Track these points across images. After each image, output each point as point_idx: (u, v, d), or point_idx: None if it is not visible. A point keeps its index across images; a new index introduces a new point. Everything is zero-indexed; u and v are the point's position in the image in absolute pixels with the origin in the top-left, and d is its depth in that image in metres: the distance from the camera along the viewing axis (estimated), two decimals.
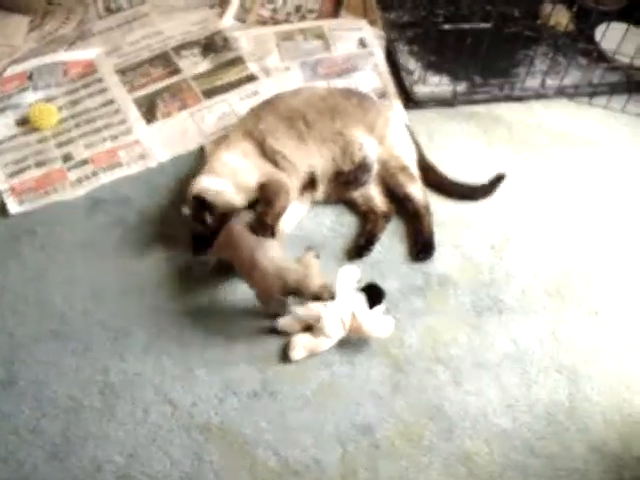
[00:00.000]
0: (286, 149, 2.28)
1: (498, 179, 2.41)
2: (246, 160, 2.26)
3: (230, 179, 2.22)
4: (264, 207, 2.18)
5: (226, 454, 1.87)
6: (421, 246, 2.28)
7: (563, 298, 2.20)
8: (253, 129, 2.31)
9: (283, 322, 2.08)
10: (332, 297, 1.97)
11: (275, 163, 2.27)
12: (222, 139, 2.44)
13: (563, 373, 2.04)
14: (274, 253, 2.02)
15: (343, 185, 2.35)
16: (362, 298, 2.05)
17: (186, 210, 2.16)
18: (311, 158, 2.30)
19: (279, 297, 1.99)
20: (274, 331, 2.07)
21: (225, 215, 2.16)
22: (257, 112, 2.38)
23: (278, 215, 2.19)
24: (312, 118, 2.32)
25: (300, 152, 2.29)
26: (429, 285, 2.21)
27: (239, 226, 2.09)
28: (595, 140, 2.64)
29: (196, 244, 2.23)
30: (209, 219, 2.16)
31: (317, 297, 1.95)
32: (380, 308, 2.07)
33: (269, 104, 2.40)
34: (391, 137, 2.36)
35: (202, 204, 2.16)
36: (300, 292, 1.96)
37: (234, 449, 1.88)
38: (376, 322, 2.04)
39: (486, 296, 2.19)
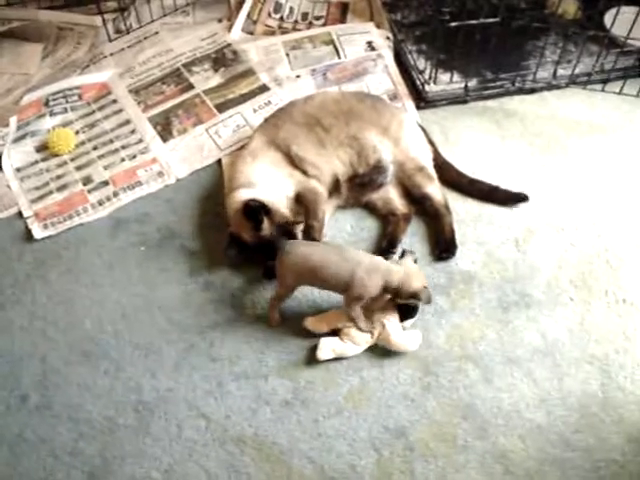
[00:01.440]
0: (310, 155, 2.30)
1: (520, 198, 2.38)
2: (278, 170, 2.28)
3: (270, 188, 2.23)
4: (309, 221, 2.21)
5: (262, 465, 1.88)
6: (444, 245, 2.28)
7: (589, 288, 2.18)
8: (275, 138, 2.33)
9: (310, 321, 2.08)
10: (429, 300, 1.99)
11: (304, 171, 2.28)
12: (240, 152, 2.43)
13: (594, 364, 2.03)
14: (368, 257, 2.03)
15: (360, 188, 2.36)
16: (395, 311, 2.06)
17: (255, 202, 2.14)
18: (332, 162, 2.31)
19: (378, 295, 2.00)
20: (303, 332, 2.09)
21: (278, 226, 2.17)
22: (274, 122, 2.39)
23: (322, 225, 2.23)
24: (328, 122, 2.33)
25: (322, 157, 2.30)
26: (453, 284, 2.20)
27: (304, 247, 2.04)
28: (611, 127, 2.63)
29: (231, 247, 2.21)
30: (266, 226, 2.16)
31: (415, 297, 1.98)
32: (410, 321, 2.07)
33: (284, 112, 2.41)
34: (406, 139, 2.36)
35: (259, 209, 2.14)
36: (400, 291, 1.97)
37: (270, 460, 1.89)
38: (404, 336, 2.04)
39: (512, 291, 2.18)
